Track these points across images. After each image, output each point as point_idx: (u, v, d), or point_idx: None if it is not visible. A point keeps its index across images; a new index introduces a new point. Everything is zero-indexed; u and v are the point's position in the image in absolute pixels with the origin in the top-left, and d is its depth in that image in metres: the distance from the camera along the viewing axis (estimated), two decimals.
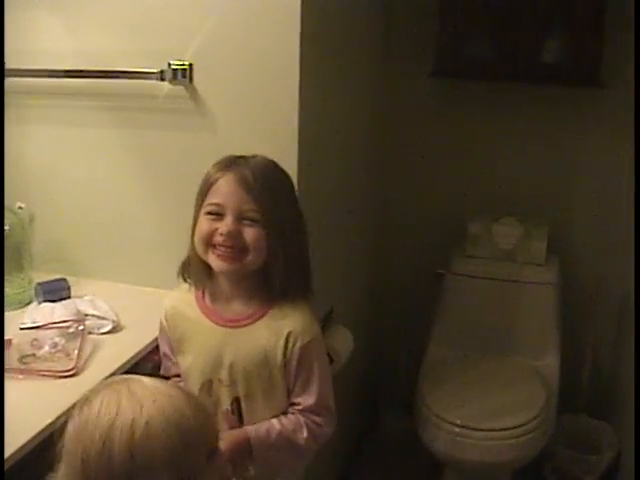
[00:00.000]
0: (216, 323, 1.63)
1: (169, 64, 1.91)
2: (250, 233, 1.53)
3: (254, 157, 1.59)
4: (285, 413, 1.65)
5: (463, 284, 2.86)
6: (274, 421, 1.62)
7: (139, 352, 1.77)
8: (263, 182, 1.54)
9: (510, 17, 2.66)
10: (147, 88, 1.96)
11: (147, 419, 1.08)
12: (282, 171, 1.62)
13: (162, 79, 1.91)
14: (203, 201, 1.56)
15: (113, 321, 1.86)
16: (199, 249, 1.57)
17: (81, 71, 1.99)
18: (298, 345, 1.58)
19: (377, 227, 3.02)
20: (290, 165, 1.88)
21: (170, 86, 1.94)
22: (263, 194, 1.53)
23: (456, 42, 2.76)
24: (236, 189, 1.53)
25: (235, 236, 1.53)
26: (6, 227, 1.99)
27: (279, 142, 1.89)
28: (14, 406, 1.52)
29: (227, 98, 1.92)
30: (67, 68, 2.00)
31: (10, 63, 2.07)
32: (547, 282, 2.79)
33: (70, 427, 1.14)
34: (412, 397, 2.71)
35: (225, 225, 1.53)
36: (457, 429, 2.43)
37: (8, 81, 2.08)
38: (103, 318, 1.86)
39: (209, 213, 1.55)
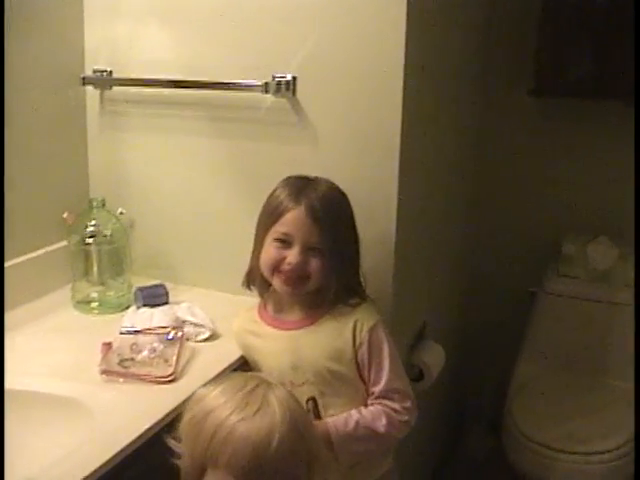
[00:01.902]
0: (280, 329, 1.73)
1: (273, 77, 1.93)
2: (314, 263, 1.65)
3: (319, 183, 1.69)
4: (365, 405, 1.69)
5: (556, 304, 2.82)
6: (353, 412, 1.67)
7: (236, 360, 1.79)
8: (329, 213, 1.65)
9: (611, 34, 2.61)
10: (250, 100, 1.98)
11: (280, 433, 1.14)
12: (344, 196, 1.72)
13: (266, 91, 1.92)
14: (271, 225, 1.66)
15: (210, 329, 1.88)
16: (265, 272, 1.70)
17: (187, 82, 2.02)
18: (365, 329, 1.67)
19: (472, 244, 3.00)
20: (390, 182, 1.91)
21: (273, 98, 1.96)
22: (329, 225, 1.65)
23: (556, 60, 2.71)
24: (306, 222, 1.63)
25: (301, 266, 1.64)
26: (108, 232, 2.04)
27: (380, 158, 1.90)
28: (115, 408, 1.57)
29: (329, 111, 1.93)
30: (173, 78, 2.04)
31: (118, 72, 2.13)
32: None
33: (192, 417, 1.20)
34: (498, 416, 2.69)
35: (293, 256, 1.64)
36: (545, 450, 2.40)
37: (117, 90, 2.14)
38: (201, 325, 1.88)
39: (277, 240, 1.66)
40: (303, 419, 1.23)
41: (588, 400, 2.64)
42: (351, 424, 1.65)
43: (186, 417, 1.22)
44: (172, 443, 1.23)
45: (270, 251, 1.67)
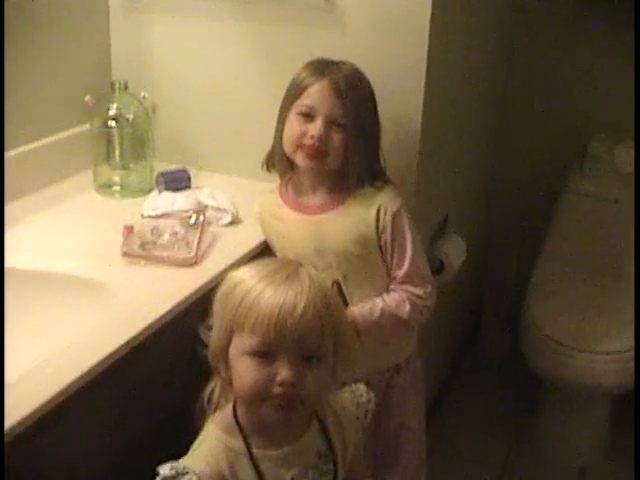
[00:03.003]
0: (302, 212, 1.73)
1: None
2: (336, 138, 1.63)
3: (344, 64, 1.67)
4: (387, 291, 1.71)
5: (579, 204, 2.79)
6: (377, 299, 1.69)
7: (258, 245, 1.79)
8: (353, 90, 1.64)
9: None
10: None
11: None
12: (367, 79, 1.69)
13: None
14: (294, 102, 1.66)
15: (232, 214, 1.88)
16: (288, 148, 1.68)
17: None
18: (389, 213, 1.67)
19: (498, 141, 2.96)
20: (417, 73, 1.88)
21: None
22: (352, 101, 1.63)
23: None
24: (329, 95, 1.62)
25: (324, 140, 1.62)
26: (130, 115, 2.02)
27: (409, 45, 1.86)
28: (137, 290, 1.58)
29: None
30: None
31: None
32: None
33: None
34: (516, 313, 2.70)
35: (316, 129, 1.62)
36: (562, 348, 2.41)
37: None
38: (222, 210, 1.88)
39: (300, 114, 1.64)
40: (332, 294, 1.23)
41: (606, 300, 2.64)
42: (376, 312, 1.67)
43: (217, 294, 1.22)
44: (206, 334, 1.24)
45: (293, 125, 1.65)
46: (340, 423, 1.32)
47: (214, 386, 1.28)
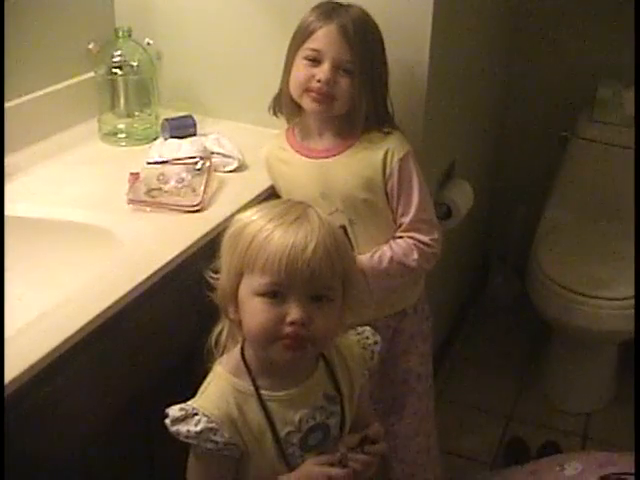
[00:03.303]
0: (309, 157, 1.72)
1: None
2: (343, 82, 1.62)
3: (351, 7, 1.65)
4: (394, 238, 1.71)
5: (588, 149, 2.77)
6: (385, 248, 1.69)
7: (264, 190, 1.79)
8: (361, 34, 1.62)
9: None
10: None
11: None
12: (375, 23, 1.67)
13: None
14: (300, 45, 1.63)
15: (238, 160, 1.87)
16: (294, 92, 1.66)
17: None
18: (396, 158, 1.66)
19: (505, 86, 2.94)
20: (424, 18, 1.86)
21: None
22: (360, 46, 1.61)
23: None
24: (336, 39, 1.60)
25: (331, 84, 1.61)
26: (134, 62, 2.00)
27: None
28: (144, 236, 1.58)
29: None
30: None
31: None
32: None
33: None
34: (524, 260, 2.70)
35: (322, 72, 1.61)
36: (568, 293, 2.42)
37: None
38: (229, 156, 1.87)
39: (307, 58, 1.63)
40: (340, 234, 1.23)
41: (615, 247, 2.64)
42: (385, 261, 1.68)
43: (225, 236, 1.22)
44: (210, 276, 1.24)
45: (300, 69, 1.64)
46: (347, 365, 1.32)
47: (222, 328, 1.28)
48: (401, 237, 1.70)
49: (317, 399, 1.27)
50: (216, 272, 1.24)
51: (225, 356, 1.28)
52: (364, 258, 1.68)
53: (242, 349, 1.26)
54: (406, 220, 1.69)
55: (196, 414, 1.19)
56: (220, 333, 1.29)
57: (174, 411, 1.19)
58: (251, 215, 1.20)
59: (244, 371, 1.24)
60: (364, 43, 1.62)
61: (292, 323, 1.14)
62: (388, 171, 1.67)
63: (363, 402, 1.39)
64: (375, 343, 1.37)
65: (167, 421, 1.20)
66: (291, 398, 1.24)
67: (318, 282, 1.15)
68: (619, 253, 2.59)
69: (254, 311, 1.17)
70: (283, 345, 1.16)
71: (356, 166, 1.68)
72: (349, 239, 1.69)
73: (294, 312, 1.14)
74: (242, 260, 1.17)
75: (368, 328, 1.39)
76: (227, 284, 1.21)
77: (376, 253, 1.69)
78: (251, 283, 1.17)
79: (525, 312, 2.71)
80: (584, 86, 2.82)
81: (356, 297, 1.25)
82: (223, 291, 1.22)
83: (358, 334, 1.37)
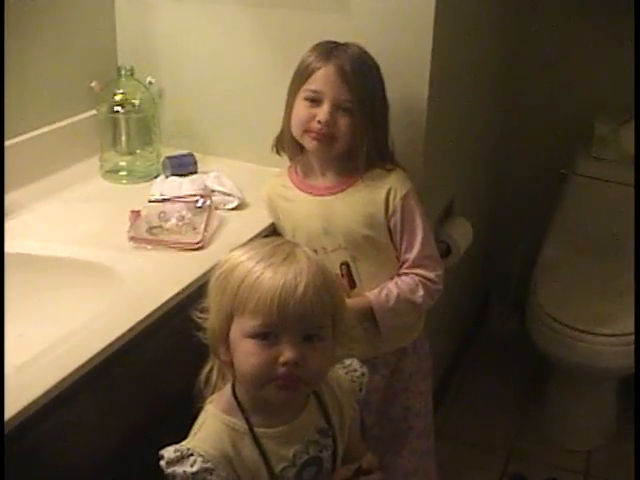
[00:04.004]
0: (311, 194, 1.74)
1: None
2: (343, 122, 1.64)
3: (350, 46, 1.68)
4: (399, 275, 1.72)
5: (586, 186, 2.79)
6: (390, 285, 1.70)
7: (265, 228, 1.80)
8: (359, 73, 1.64)
9: None
10: None
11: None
12: (373, 61, 1.70)
13: None
14: (300, 86, 1.66)
15: (239, 198, 1.88)
16: (296, 132, 1.69)
17: None
18: (399, 197, 1.68)
19: (503, 123, 2.96)
20: (423, 55, 1.87)
21: None
22: (358, 85, 1.63)
23: None
24: (335, 79, 1.63)
25: (330, 124, 1.63)
26: (136, 101, 2.02)
27: (414, 29, 1.85)
28: (144, 274, 1.59)
29: None
30: None
31: None
32: None
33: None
34: (523, 296, 2.70)
35: (323, 113, 1.63)
36: (568, 330, 2.41)
37: None
38: (229, 195, 1.88)
39: (307, 99, 1.65)
40: (329, 272, 1.23)
41: (613, 283, 2.63)
42: (392, 299, 1.69)
43: (213, 277, 1.22)
44: (197, 315, 1.24)
45: (300, 110, 1.66)
46: (337, 398, 1.33)
47: (211, 367, 1.29)
48: (406, 274, 1.72)
49: (310, 433, 1.27)
50: (202, 311, 1.24)
51: (216, 395, 1.28)
52: (371, 295, 1.70)
53: (233, 387, 1.26)
54: (410, 257, 1.71)
55: (191, 454, 1.18)
56: (210, 372, 1.29)
57: (169, 452, 1.19)
58: (239, 256, 1.20)
59: (237, 409, 1.24)
60: (362, 82, 1.64)
61: (285, 363, 1.14)
62: (391, 209, 1.68)
63: (354, 434, 1.39)
64: (363, 375, 1.38)
65: (162, 463, 1.19)
66: (285, 434, 1.25)
67: (310, 321, 1.16)
68: (618, 289, 2.59)
69: (246, 354, 1.17)
70: (277, 386, 1.16)
71: (358, 204, 1.70)
72: (351, 276, 1.71)
73: (287, 353, 1.14)
74: (232, 302, 1.17)
75: (355, 360, 1.39)
76: (217, 325, 1.21)
77: (383, 291, 1.70)
78: (242, 326, 1.17)
79: (525, 348, 2.70)
80: (582, 122, 2.84)
81: (346, 333, 1.25)
82: (213, 332, 1.22)
83: (345, 367, 1.38)
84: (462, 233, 2.22)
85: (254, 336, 1.16)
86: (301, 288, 1.13)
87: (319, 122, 1.63)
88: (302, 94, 1.66)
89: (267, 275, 1.14)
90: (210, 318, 1.23)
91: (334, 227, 1.70)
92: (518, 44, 2.86)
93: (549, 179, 2.91)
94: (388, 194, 1.68)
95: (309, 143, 1.68)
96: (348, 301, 1.57)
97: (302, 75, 1.66)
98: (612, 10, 2.72)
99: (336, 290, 1.23)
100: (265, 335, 1.15)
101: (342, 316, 1.23)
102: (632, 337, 2.38)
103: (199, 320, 1.24)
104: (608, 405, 2.68)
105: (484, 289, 3.22)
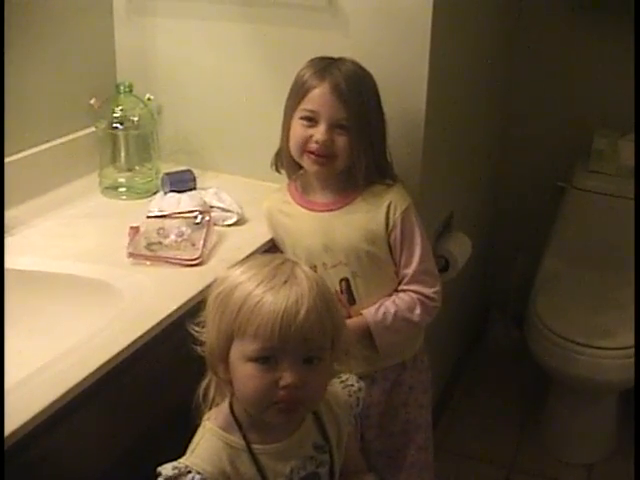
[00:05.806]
0: (312, 210, 1.74)
1: None
2: (341, 141, 1.64)
3: (344, 62, 1.68)
4: (397, 292, 1.72)
5: (584, 199, 2.79)
6: (388, 303, 1.71)
7: (264, 244, 1.80)
8: (355, 91, 1.64)
9: None
10: None
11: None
12: (369, 76, 1.69)
13: None
14: (297, 106, 1.66)
15: (238, 214, 1.89)
16: (294, 152, 1.69)
17: None
18: (399, 211, 1.69)
19: (501, 137, 2.96)
20: (420, 70, 1.87)
21: None
22: (354, 102, 1.63)
23: None
24: (331, 99, 1.62)
25: (328, 144, 1.63)
26: (135, 118, 2.03)
27: (410, 46, 1.86)
28: (143, 290, 1.59)
29: None
30: None
31: None
32: None
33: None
34: (522, 309, 2.70)
35: (320, 133, 1.63)
36: (568, 344, 2.41)
37: None
38: (228, 210, 1.88)
39: (303, 118, 1.65)
40: (329, 292, 1.23)
41: (613, 296, 2.64)
42: (389, 318, 1.69)
43: (212, 295, 1.22)
44: (194, 329, 1.24)
45: (297, 130, 1.66)
46: (334, 413, 1.33)
47: (209, 383, 1.29)
48: (404, 291, 1.72)
49: (307, 449, 1.27)
50: (198, 324, 1.24)
51: (214, 411, 1.28)
52: (368, 314, 1.70)
53: (231, 404, 1.26)
54: (409, 272, 1.71)
55: (189, 472, 1.18)
56: (207, 387, 1.29)
57: (167, 470, 1.18)
58: (238, 276, 1.20)
59: (234, 426, 1.24)
60: (358, 99, 1.64)
61: (285, 387, 1.15)
62: (391, 224, 1.69)
63: (351, 448, 1.39)
64: (359, 390, 1.38)
65: None
66: (282, 450, 1.25)
67: (311, 345, 1.16)
68: (618, 302, 2.60)
69: (247, 377, 1.17)
70: (278, 409, 1.17)
71: (359, 220, 1.70)
72: (351, 293, 1.71)
73: (287, 376, 1.14)
74: (232, 325, 1.17)
75: (352, 375, 1.39)
76: (216, 345, 1.20)
77: (380, 308, 1.70)
78: (243, 349, 1.17)
79: (524, 362, 2.70)
80: (580, 136, 2.85)
81: (344, 350, 1.25)
82: (212, 351, 1.22)
83: (342, 381, 1.38)
84: (460, 247, 2.23)
85: (255, 360, 1.16)
86: (302, 313, 1.13)
87: (317, 142, 1.64)
88: (298, 114, 1.66)
89: (268, 299, 1.14)
90: (208, 335, 1.22)
91: (335, 244, 1.70)
92: (517, 57, 2.87)
93: (548, 192, 2.92)
94: (388, 209, 1.69)
95: (309, 165, 1.68)
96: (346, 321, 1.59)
97: (298, 93, 1.67)
98: (613, 24, 2.74)
99: (336, 310, 1.24)
100: (265, 359, 1.15)
101: (341, 334, 1.23)
102: (632, 350, 2.38)
103: (196, 334, 1.24)
104: (608, 419, 2.68)
105: (484, 302, 3.22)
